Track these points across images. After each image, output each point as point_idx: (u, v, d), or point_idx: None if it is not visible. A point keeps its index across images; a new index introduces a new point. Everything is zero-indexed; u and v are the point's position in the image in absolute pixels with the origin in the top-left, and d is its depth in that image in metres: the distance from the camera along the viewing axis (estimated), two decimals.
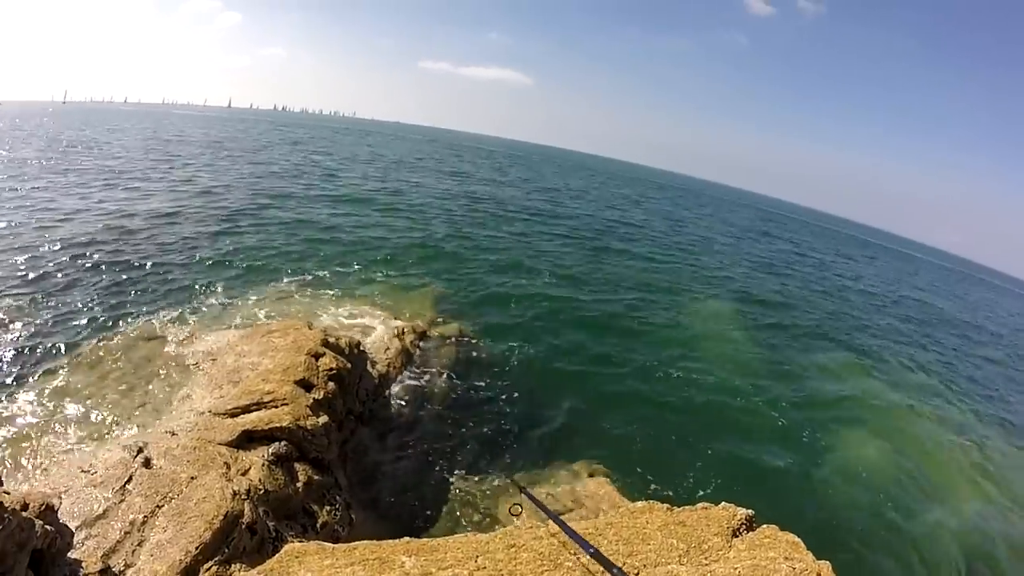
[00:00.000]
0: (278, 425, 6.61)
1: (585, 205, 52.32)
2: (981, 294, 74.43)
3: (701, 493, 10.73)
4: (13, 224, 18.67)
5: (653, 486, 10.59)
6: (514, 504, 4.25)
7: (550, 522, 3.96)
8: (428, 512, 8.84)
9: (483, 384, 13.10)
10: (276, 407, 6.94)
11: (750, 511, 4.26)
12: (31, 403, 9.04)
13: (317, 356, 8.68)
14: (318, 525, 6.30)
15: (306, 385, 7.81)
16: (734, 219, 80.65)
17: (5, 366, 10.29)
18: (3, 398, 9.20)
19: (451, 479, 9.72)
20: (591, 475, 10.24)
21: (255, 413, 6.77)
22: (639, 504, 4.51)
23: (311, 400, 7.43)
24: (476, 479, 9.79)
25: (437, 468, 9.97)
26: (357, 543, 4.54)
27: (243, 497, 5.23)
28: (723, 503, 4.40)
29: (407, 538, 4.50)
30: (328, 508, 6.67)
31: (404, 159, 70.89)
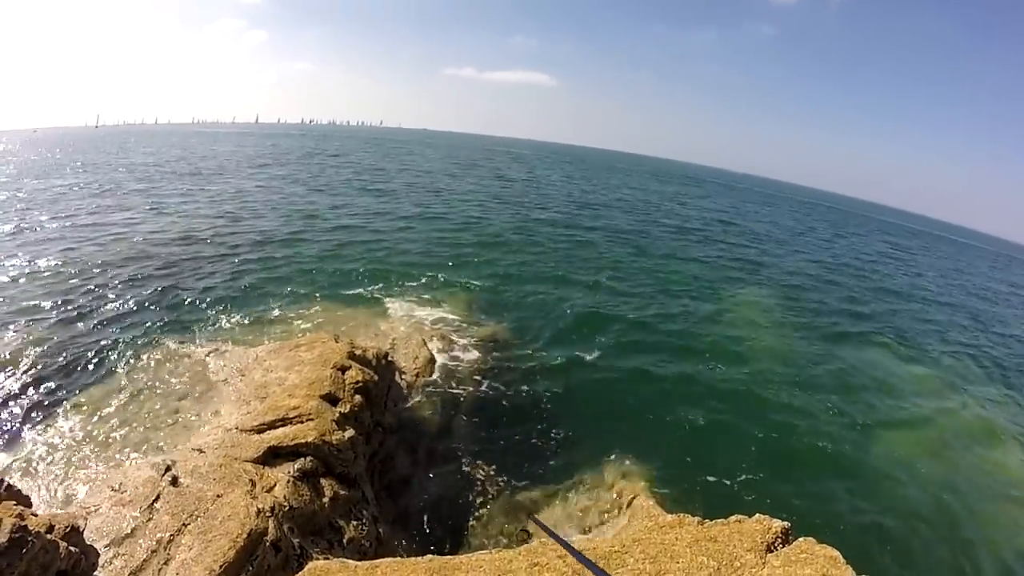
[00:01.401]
0: (303, 441, 6.61)
1: (623, 206, 51.74)
2: None
3: (739, 492, 10.43)
4: (51, 246, 19.40)
5: (688, 494, 10.25)
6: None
7: (575, 539, 3.83)
8: (456, 526, 8.73)
9: (515, 391, 12.95)
10: (301, 423, 6.95)
11: (786, 523, 4.05)
12: (67, 421, 9.31)
13: (343, 369, 8.69)
14: (344, 541, 6.26)
15: (332, 399, 7.81)
16: (772, 213, 78.45)
17: (42, 386, 10.62)
18: (40, 417, 9.48)
19: (480, 491, 9.60)
20: (624, 482, 10.00)
21: (280, 429, 6.80)
22: (669, 518, 4.35)
23: (337, 414, 7.42)
24: (505, 491, 9.64)
25: (466, 479, 9.86)
26: (379, 561, 4.49)
27: (268, 514, 5.22)
28: (757, 515, 4.20)
29: (429, 556, 4.43)
30: (355, 523, 6.62)
31: (439, 168, 71.69)
